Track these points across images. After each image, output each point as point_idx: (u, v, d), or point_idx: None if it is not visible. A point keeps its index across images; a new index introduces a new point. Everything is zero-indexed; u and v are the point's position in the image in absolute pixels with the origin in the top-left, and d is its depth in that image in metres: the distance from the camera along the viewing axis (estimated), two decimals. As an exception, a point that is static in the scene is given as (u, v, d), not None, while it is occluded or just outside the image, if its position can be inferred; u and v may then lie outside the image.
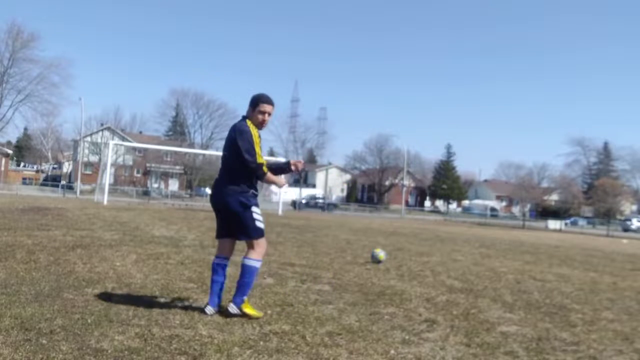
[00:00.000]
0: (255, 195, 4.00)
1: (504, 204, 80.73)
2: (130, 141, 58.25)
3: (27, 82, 48.53)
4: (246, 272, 3.92)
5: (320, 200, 57.82)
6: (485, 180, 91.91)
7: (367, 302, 4.91)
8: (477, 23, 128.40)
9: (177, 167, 68.10)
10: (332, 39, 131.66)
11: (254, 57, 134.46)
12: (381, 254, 7.97)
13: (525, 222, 51.01)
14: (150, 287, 4.84)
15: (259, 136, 3.96)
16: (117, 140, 54.38)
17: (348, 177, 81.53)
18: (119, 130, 67.35)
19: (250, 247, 3.99)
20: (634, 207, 71.44)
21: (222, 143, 4.19)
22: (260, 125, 3.99)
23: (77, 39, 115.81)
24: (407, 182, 67.69)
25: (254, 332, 3.59)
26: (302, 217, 25.69)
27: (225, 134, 4.20)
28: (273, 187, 45.48)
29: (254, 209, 3.94)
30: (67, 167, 75.82)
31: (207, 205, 4.20)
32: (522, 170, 71.34)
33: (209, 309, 3.90)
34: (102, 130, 64.72)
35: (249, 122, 3.95)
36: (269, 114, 4.01)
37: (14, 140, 78.19)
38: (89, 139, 61.70)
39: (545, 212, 62.25)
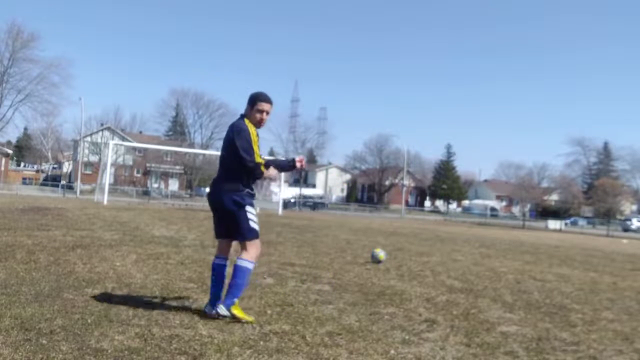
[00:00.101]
0: (251, 195, 3.95)
1: (504, 204, 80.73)
2: (130, 141, 58.27)
3: (27, 82, 48.59)
4: (238, 273, 3.84)
5: (310, 200, 57.69)
6: (485, 180, 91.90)
7: (367, 302, 4.91)
8: (477, 23, 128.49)
9: (177, 167, 68.12)
10: (332, 39, 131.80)
11: (254, 57, 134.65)
12: (381, 254, 7.97)
13: (525, 222, 51.01)
14: (150, 287, 4.84)
15: (257, 135, 3.93)
16: (117, 140, 54.41)
17: (348, 177, 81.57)
18: (119, 130, 67.36)
19: (244, 247, 3.93)
20: (634, 207, 71.43)
21: (221, 143, 4.15)
22: (258, 124, 3.95)
23: (77, 39, 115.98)
24: (407, 182, 67.69)
25: (254, 332, 3.59)
26: (302, 217, 25.69)
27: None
28: (273, 187, 45.59)
29: (248, 208, 3.88)
30: (67, 167, 75.84)
31: (207, 205, 4.17)
32: (522, 170, 71.36)
33: (209, 309, 3.89)
34: (102, 130, 64.74)
35: (247, 121, 3.91)
36: (267, 113, 3.96)
37: (14, 140, 78.27)
38: (89, 139, 61.71)
39: (545, 212, 62.25)
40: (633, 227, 52.32)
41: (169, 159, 66.76)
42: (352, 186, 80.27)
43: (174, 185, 68.83)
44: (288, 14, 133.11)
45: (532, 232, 33.44)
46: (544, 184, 67.93)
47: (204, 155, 59.97)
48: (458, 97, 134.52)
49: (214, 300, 3.92)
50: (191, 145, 64.41)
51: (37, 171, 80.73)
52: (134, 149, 63.02)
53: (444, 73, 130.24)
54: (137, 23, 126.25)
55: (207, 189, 4.32)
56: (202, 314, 3.89)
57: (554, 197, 65.93)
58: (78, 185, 48.09)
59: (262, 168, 3.89)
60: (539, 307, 5.39)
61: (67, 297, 4.16)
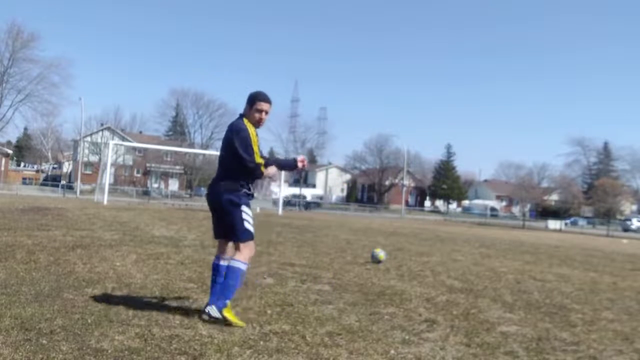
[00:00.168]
0: (249, 196, 3.90)
1: (504, 204, 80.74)
2: (130, 141, 58.28)
3: (27, 82, 48.59)
4: (231, 273, 3.78)
5: (303, 199, 57.67)
6: (485, 180, 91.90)
7: (367, 302, 4.91)
8: (477, 23, 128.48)
9: (177, 167, 68.12)
10: (332, 39, 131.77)
11: (254, 57, 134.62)
12: (381, 254, 7.97)
13: (525, 222, 51.01)
14: (150, 287, 4.84)
15: (257, 135, 3.88)
16: (117, 140, 54.43)
17: (348, 177, 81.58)
18: (119, 130, 67.37)
19: (237, 248, 3.87)
20: (634, 207, 71.42)
21: (221, 143, 4.11)
22: (257, 123, 3.90)
23: (77, 39, 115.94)
24: (407, 182, 67.68)
25: (254, 332, 3.59)
26: (302, 217, 25.69)
27: None
28: (273, 187, 45.60)
29: (243, 208, 3.83)
30: (67, 167, 75.86)
31: (207, 205, 4.16)
32: (522, 170, 71.31)
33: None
34: (102, 130, 64.74)
35: (246, 121, 3.86)
36: (266, 113, 3.91)
37: (14, 140, 78.27)
38: (89, 138, 61.72)
39: (545, 212, 62.26)
40: (633, 227, 52.32)
41: (169, 159, 66.78)
42: (352, 186, 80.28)
43: (174, 185, 68.85)
44: (288, 14, 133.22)
45: (532, 232, 33.44)
46: (544, 184, 67.90)
47: (204, 155, 59.99)
48: (458, 97, 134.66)
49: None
50: (191, 145, 64.40)
51: (37, 171, 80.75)
52: (134, 149, 63.03)
53: (444, 73, 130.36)
54: (137, 23, 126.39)
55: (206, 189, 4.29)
56: (203, 314, 3.88)
57: (554, 197, 65.91)
58: (78, 185, 48.10)
59: (263, 168, 3.85)
60: (539, 307, 5.39)
61: (67, 297, 4.16)
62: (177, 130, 70.93)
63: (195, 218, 16.11)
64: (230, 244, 4.01)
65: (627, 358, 3.77)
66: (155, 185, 67.02)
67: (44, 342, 3.02)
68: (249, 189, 3.91)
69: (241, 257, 3.84)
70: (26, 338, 3.05)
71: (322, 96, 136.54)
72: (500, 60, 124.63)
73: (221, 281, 3.92)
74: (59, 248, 6.88)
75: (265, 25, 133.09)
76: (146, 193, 55.06)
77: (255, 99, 3.89)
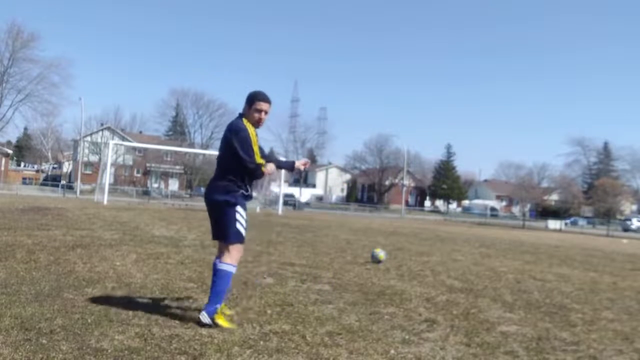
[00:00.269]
0: (246, 197, 3.82)
1: (504, 203, 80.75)
2: (130, 141, 58.28)
3: (27, 82, 48.58)
4: (220, 277, 3.71)
5: (292, 199, 57.51)
6: (485, 180, 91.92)
7: (367, 302, 4.91)
8: (477, 23, 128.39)
9: (177, 167, 68.13)
10: (332, 39, 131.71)
11: (254, 57, 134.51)
12: (381, 253, 7.97)
13: (525, 222, 50.99)
14: (150, 286, 4.84)
15: (256, 134, 3.83)
16: (117, 140, 54.41)
17: (348, 177, 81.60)
18: (119, 130, 67.38)
19: (226, 249, 3.78)
20: (634, 207, 71.42)
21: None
22: (257, 123, 3.84)
23: (77, 39, 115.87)
24: (407, 182, 67.69)
25: (254, 331, 3.59)
26: (302, 217, 25.69)
27: None
28: (273, 187, 45.56)
29: (238, 209, 3.75)
30: (67, 167, 75.86)
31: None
32: (522, 170, 71.30)
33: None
34: (102, 130, 64.76)
35: (245, 121, 3.80)
36: (266, 112, 3.85)
37: (14, 140, 78.30)
38: (89, 138, 61.72)
39: (545, 212, 62.25)
40: (633, 227, 52.31)
41: (169, 159, 66.78)
42: (352, 186, 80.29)
43: (174, 185, 68.83)
44: (288, 14, 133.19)
45: (532, 232, 33.44)
46: (544, 184, 67.92)
47: (204, 155, 59.99)
48: (458, 97, 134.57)
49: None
50: (191, 145, 64.44)
51: (37, 171, 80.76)
52: (134, 149, 63.02)
53: (444, 73, 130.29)
54: (137, 23, 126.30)
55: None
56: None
57: (554, 197, 65.91)
58: (78, 185, 48.06)
59: (263, 169, 3.81)
60: (539, 307, 5.39)
61: (67, 296, 4.16)
62: (177, 130, 70.95)
63: (195, 218, 16.11)
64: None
65: (627, 358, 3.77)
66: (155, 185, 67.00)
67: (44, 341, 3.02)
68: (247, 190, 3.84)
69: (229, 260, 3.76)
70: (26, 338, 3.05)
71: (322, 96, 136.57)
72: (500, 60, 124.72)
73: None
74: (59, 248, 6.88)
75: (265, 25, 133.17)
76: (146, 193, 55.04)
77: (254, 98, 3.83)
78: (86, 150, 60.67)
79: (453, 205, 77.29)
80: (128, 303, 4.09)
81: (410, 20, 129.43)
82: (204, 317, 3.62)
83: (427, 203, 79.55)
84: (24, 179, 70.86)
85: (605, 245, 21.53)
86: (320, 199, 78.73)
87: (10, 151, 55.65)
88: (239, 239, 3.78)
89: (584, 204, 57.78)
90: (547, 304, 5.56)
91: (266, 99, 3.86)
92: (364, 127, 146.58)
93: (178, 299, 4.44)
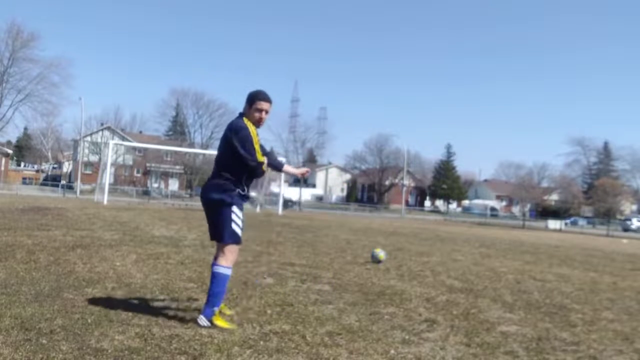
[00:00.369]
0: (242, 197, 3.78)
1: (504, 203, 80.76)
2: (130, 141, 58.28)
3: (27, 82, 48.53)
4: (217, 280, 3.69)
5: (291, 202, 57.52)
6: (485, 180, 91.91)
7: (367, 302, 4.91)
8: (477, 23, 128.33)
9: (177, 167, 68.10)
10: (332, 39, 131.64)
11: (254, 57, 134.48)
12: (381, 253, 7.97)
13: (525, 222, 51.01)
14: (150, 287, 4.84)
15: (257, 134, 3.81)
16: (117, 140, 54.39)
17: (348, 176, 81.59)
18: (119, 130, 67.37)
19: (221, 251, 3.75)
20: (634, 207, 71.42)
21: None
22: (257, 123, 3.82)
23: (77, 39, 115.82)
24: (407, 182, 67.69)
25: (254, 331, 3.59)
26: (302, 217, 25.69)
27: None
28: (273, 187, 45.53)
29: (234, 209, 3.71)
30: (67, 167, 75.86)
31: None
32: (522, 170, 71.28)
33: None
34: (102, 130, 64.75)
35: (245, 120, 3.78)
36: (267, 112, 3.83)
37: (14, 140, 78.24)
38: (89, 138, 61.71)
39: (545, 212, 62.26)
40: (633, 227, 52.33)
41: (169, 158, 66.76)
42: (352, 186, 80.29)
43: (174, 185, 68.83)
44: (288, 14, 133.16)
45: (532, 232, 33.44)
46: (544, 184, 67.91)
47: (204, 155, 59.94)
48: (458, 97, 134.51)
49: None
50: (191, 145, 64.39)
51: (37, 171, 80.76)
52: (134, 148, 63.02)
53: (444, 73, 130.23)
54: (137, 23, 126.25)
55: None
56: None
57: (554, 197, 65.93)
58: (78, 185, 48.07)
59: (264, 167, 3.79)
60: (539, 307, 5.39)
61: (67, 296, 4.16)
62: (177, 130, 70.90)
63: (195, 218, 16.10)
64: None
65: (627, 358, 3.77)
66: (155, 185, 67.01)
67: (44, 341, 3.02)
68: (244, 190, 3.79)
69: (224, 262, 3.73)
70: (26, 338, 3.06)
71: (322, 96, 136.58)
72: (500, 60, 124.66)
73: None
74: (59, 248, 6.88)
75: (265, 25, 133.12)
76: (146, 193, 55.06)
77: (255, 98, 3.81)
78: (86, 150, 60.67)
79: (453, 205, 77.30)
80: (128, 303, 4.09)
81: (410, 20, 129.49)
82: (202, 321, 3.62)
83: (427, 203, 79.56)
84: (24, 178, 70.87)
85: (605, 245, 21.53)
86: (320, 199, 78.72)
87: (10, 151, 55.64)
88: (234, 239, 3.74)
89: (584, 204, 57.82)
90: (547, 304, 5.56)
91: (267, 99, 3.84)
92: (364, 127, 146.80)
93: (178, 299, 4.44)
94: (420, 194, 79.23)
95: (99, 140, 61.90)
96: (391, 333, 3.86)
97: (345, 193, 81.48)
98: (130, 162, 66.11)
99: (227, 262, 3.74)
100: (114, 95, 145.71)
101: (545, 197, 62.29)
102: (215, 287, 3.70)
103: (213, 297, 3.69)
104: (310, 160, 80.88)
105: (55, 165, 79.60)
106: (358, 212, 55.10)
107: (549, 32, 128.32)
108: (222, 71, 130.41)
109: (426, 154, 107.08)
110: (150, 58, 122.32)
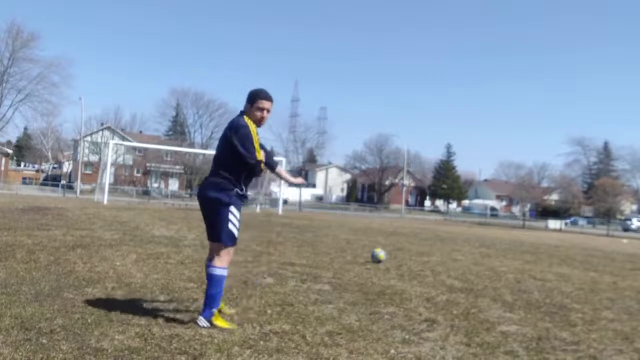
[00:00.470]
0: (240, 197, 3.74)
1: (504, 203, 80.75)
2: (130, 141, 58.27)
3: (27, 82, 48.56)
4: (213, 282, 3.67)
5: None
6: (485, 180, 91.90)
7: (367, 302, 4.91)
8: (477, 23, 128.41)
9: (177, 167, 68.10)
10: (332, 39, 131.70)
11: (254, 57, 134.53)
12: (381, 253, 7.96)
13: (525, 222, 50.99)
14: (150, 286, 4.84)
15: (257, 132, 3.78)
16: (117, 140, 54.40)
17: (348, 176, 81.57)
18: (119, 129, 67.38)
19: (217, 252, 3.71)
20: (634, 207, 71.41)
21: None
22: (258, 122, 3.80)
23: (77, 39, 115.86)
24: (407, 181, 67.68)
25: (254, 331, 3.59)
26: (302, 217, 25.68)
27: None
28: (273, 187, 45.52)
29: (232, 209, 3.67)
30: (67, 167, 75.86)
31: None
32: (522, 170, 71.29)
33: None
34: (102, 129, 64.76)
35: (246, 118, 3.75)
36: (268, 111, 3.80)
37: (14, 140, 78.29)
38: (89, 138, 61.72)
39: (545, 212, 62.26)
40: (633, 226, 52.33)
41: (169, 158, 66.76)
42: (352, 186, 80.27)
43: (174, 185, 68.83)
44: (288, 14, 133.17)
45: (532, 232, 33.44)
46: (544, 184, 67.92)
47: (204, 155, 59.90)
48: (458, 97, 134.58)
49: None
50: (191, 145, 64.40)
51: (37, 171, 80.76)
52: (134, 148, 63.02)
53: (444, 73, 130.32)
54: (137, 23, 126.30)
55: None
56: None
57: (554, 196, 65.91)
58: (78, 185, 48.07)
59: (263, 166, 3.77)
60: (539, 306, 5.39)
61: (67, 296, 4.16)
62: (177, 130, 70.92)
63: (195, 218, 16.09)
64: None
65: (627, 358, 3.77)
66: (155, 185, 67.01)
67: (44, 341, 3.02)
68: (242, 190, 3.75)
69: (219, 263, 3.70)
70: (26, 337, 3.06)
71: (322, 96, 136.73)
72: (500, 60, 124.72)
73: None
74: (59, 248, 6.88)
75: (265, 25, 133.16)
76: (146, 193, 55.07)
77: (256, 97, 3.78)
78: (86, 150, 60.68)
79: (453, 205, 77.29)
80: (128, 303, 4.09)
81: (410, 20, 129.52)
82: (201, 322, 3.61)
83: (427, 203, 79.56)
84: (24, 178, 70.89)
85: (605, 245, 21.53)
86: (320, 198, 78.69)
87: (10, 151, 55.65)
88: (231, 240, 3.71)
89: (584, 203, 57.82)
90: (547, 304, 5.56)
91: (268, 97, 3.81)
92: (364, 127, 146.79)
93: (178, 299, 4.44)
94: (420, 193, 79.22)
95: (99, 140, 61.92)
96: (391, 333, 3.86)
97: (345, 193, 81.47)
98: (130, 162, 66.12)
99: (222, 262, 3.71)
100: (114, 95, 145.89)
101: (545, 197, 62.28)
102: (212, 288, 3.68)
103: (211, 299, 3.68)
104: (310, 160, 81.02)
105: (55, 165, 79.59)
106: (358, 212, 55.09)
107: (549, 32, 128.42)
108: (222, 71, 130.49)
109: (426, 154, 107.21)
110: (150, 58, 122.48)
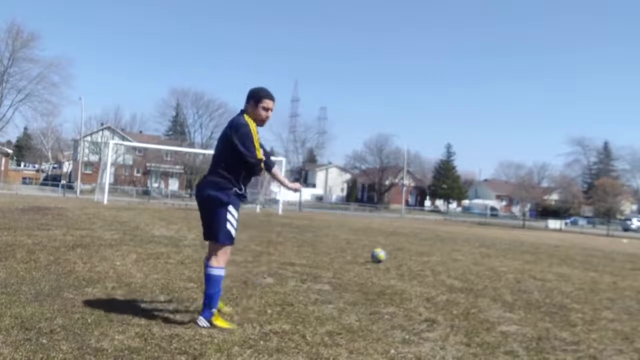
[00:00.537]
0: (239, 196, 3.70)
1: (504, 203, 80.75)
2: (130, 141, 58.29)
3: (27, 82, 48.61)
4: (211, 282, 3.65)
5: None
6: (485, 180, 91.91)
7: (367, 302, 4.91)
8: (477, 23, 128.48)
9: (177, 167, 68.09)
10: (332, 39, 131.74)
11: (254, 57, 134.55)
12: (381, 253, 7.96)
13: (525, 222, 50.99)
14: (150, 286, 4.84)
15: (257, 132, 3.76)
16: (117, 140, 54.43)
17: (348, 176, 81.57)
18: (119, 129, 67.41)
19: (214, 251, 3.69)
20: (634, 207, 71.43)
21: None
22: (262, 122, 3.77)
23: (77, 39, 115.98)
24: (407, 181, 67.67)
25: (254, 331, 3.59)
26: (302, 217, 25.68)
27: None
28: (273, 187, 45.52)
29: (230, 208, 3.63)
30: (67, 167, 75.87)
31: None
32: (522, 170, 71.38)
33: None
34: (102, 129, 64.79)
35: (246, 117, 3.73)
36: (271, 110, 3.79)
37: (14, 140, 78.30)
38: (89, 138, 61.74)
39: (545, 212, 62.27)
40: (633, 226, 52.34)
41: (169, 158, 66.76)
42: (352, 186, 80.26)
43: (174, 185, 68.84)
44: (288, 14, 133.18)
45: (532, 232, 33.44)
46: (544, 184, 67.96)
47: (204, 155, 59.82)
48: (458, 97, 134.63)
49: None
50: (191, 145, 64.38)
51: (37, 171, 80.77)
52: (134, 148, 63.03)
53: (444, 73, 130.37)
54: (137, 23, 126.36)
55: None
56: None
57: (554, 196, 65.94)
58: (78, 184, 48.09)
59: (262, 165, 3.75)
60: (539, 306, 5.39)
61: (67, 296, 4.16)
62: (177, 130, 70.92)
63: (195, 218, 16.09)
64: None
65: (627, 358, 3.77)
66: (155, 185, 67.02)
67: (44, 341, 3.02)
68: (241, 189, 3.72)
69: (217, 263, 3.68)
70: (26, 337, 3.05)
71: (322, 96, 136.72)
72: (500, 60, 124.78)
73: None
74: (59, 247, 6.88)
75: (265, 25, 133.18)
76: (146, 193, 55.08)
77: (262, 96, 3.74)
78: (86, 150, 60.70)
79: (453, 205, 77.30)
80: (128, 303, 4.09)
81: (410, 20, 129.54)
82: (201, 322, 3.60)
83: (427, 203, 79.56)
84: (24, 178, 70.92)
85: (605, 245, 21.53)
86: (320, 198, 78.69)
87: (10, 151, 55.65)
88: (229, 240, 3.68)
89: (584, 203, 57.84)
90: (547, 304, 5.56)
91: (272, 97, 3.80)
92: (364, 127, 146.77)
93: (178, 299, 4.44)
94: (420, 193, 79.23)
95: (99, 140, 61.95)
96: (391, 333, 3.86)
97: (345, 193, 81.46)
98: (130, 162, 66.14)
99: (220, 262, 3.70)
100: (114, 95, 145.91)
101: (545, 197, 62.30)
102: (211, 288, 3.66)
103: (209, 299, 3.67)
104: (310, 160, 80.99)
105: (55, 165, 79.61)
106: (358, 212, 55.08)
107: (549, 32, 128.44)
108: (222, 71, 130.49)
109: (426, 154, 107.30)
110: (150, 58, 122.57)
